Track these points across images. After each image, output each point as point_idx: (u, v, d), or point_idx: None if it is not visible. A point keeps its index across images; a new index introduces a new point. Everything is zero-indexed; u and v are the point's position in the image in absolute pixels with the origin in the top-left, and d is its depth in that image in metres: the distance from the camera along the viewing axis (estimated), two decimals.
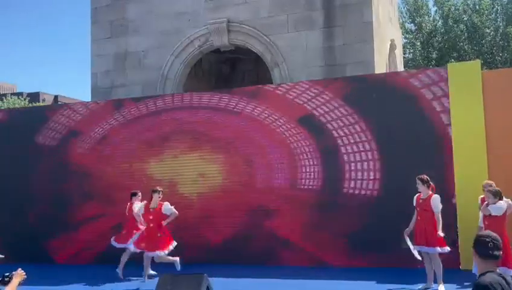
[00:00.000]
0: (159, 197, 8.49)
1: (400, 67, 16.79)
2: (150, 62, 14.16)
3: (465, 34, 27.48)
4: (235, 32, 13.59)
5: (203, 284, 6.37)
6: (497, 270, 3.03)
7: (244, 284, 8.27)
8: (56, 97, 79.04)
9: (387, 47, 14.20)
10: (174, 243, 8.44)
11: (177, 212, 8.51)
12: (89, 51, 14.82)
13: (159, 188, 8.61)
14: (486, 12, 27.40)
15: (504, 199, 6.85)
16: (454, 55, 27.18)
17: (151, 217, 8.41)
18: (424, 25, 28.78)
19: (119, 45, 14.49)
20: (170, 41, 13.98)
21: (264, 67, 14.04)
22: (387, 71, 13.53)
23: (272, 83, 12.94)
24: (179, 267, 8.27)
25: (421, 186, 7.34)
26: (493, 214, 6.74)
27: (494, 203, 6.74)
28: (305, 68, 12.73)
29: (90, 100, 14.05)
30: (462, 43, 27.53)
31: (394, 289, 7.55)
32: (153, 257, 8.49)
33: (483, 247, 3.03)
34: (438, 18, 29.26)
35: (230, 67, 17.16)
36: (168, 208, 8.49)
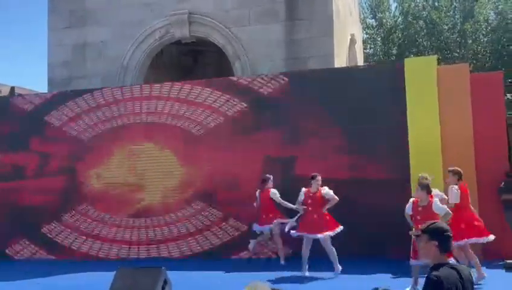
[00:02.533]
0: (318, 183, 8.22)
1: (360, 62, 17.05)
2: (110, 53, 13.88)
3: (424, 30, 28.06)
4: (196, 24, 13.47)
5: (161, 277, 6.33)
6: (450, 262, 3.14)
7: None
8: (13, 88, 76.55)
9: (347, 41, 14.37)
10: (341, 227, 8.21)
11: (336, 197, 8.26)
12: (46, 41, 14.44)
13: (317, 175, 8.29)
14: (444, 9, 28.04)
15: (434, 191, 6.87)
16: (414, 50, 27.74)
17: (310, 201, 8.23)
18: (384, 20, 29.27)
19: (78, 35, 14.14)
20: (131, 32, 13.74)
21: (226, 60, 13.99)
22: (347, 65, 13.72)
23: (233, 76, 12.93)
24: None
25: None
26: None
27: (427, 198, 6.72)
28: (267, 61, 12.75)
29: (46, 92, 13.70)
30: (421, 39, 28.11)
31: None
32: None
33: (448, 242, 3.10)
34: (398, 14, 29.80)
35: (193, 59, 17.02)
36: (327, 192, 8.28)
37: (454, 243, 6.62)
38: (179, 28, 13.50)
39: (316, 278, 7.92)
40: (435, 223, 3.26)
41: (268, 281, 7.15)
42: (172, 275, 6.48)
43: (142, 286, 6.17)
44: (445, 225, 3.24)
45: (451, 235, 3.16)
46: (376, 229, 8.80)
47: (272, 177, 9.25)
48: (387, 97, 9.40)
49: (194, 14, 13.39)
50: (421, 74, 9.24)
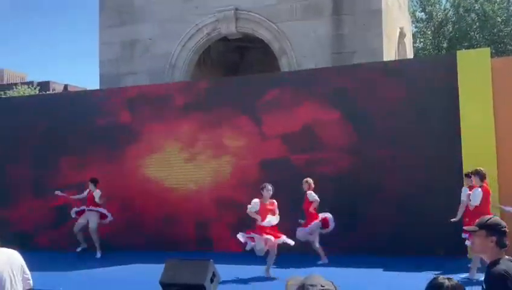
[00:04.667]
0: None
1: (410, 56, 16.67)
2: (157, 50, 14.14)
3: (477, 23, 27.16)
4: (242, 20, 13.52)
5: (209, 269, 6.39)
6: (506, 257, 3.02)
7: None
8: (66, 86, 79.32)
9: (396, 35, 14.09)
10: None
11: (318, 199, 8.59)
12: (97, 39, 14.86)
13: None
14: (498, 1, 27.05)
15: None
16: (465, 44, 26.88)
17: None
18: (434, 13, 28.50)
19: (126, 33, 14.48)
20: (177, 29, 13.94)
21: (272, 55, 13.98)
22: (396, 59, 13.44)
23: (279, 71, 12.92)
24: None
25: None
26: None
27: None
28: (313, 56, 12.66)
29: (98, 88, 14.12)
30: (473, 32, 27.23)
31: None
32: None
33: (505, 237, 3.00)
34: (448, 7, 28.96)
35: (239, 56, 17.11)
36: (311, 195, 8.59)
37: None
38: (226, 24, 13.59)
39: (371, 275, 7.82)
40: (491, 218, 3.14)
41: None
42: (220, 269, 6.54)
43: (191, 278, 6.25)
44: (501, 220, 3.12)
45: (507, 230, 3.04)
46: (426, 229, 8.64)
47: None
48: (438, 92, 9.15)
49: (241, 10, 13.45)
50: (474, 67, 8.92)
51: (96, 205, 10.20)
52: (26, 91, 50.24)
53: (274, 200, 8.13)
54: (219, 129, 10.47)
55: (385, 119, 9.43)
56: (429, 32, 28.56)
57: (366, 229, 9.25)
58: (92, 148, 11.18)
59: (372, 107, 9.52)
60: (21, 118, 11.78)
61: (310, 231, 8.70)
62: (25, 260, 3.71)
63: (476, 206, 7.12)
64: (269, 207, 8.06)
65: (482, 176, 7.23)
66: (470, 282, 6.53)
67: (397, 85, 9.46)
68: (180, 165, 10.72)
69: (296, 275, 2.16)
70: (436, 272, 7.55)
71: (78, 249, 10.34)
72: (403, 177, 9.23)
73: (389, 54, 12.92)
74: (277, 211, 8.09)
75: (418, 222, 8.81)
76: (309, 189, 8.68)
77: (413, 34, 22.96)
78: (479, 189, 7.19)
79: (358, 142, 9.59)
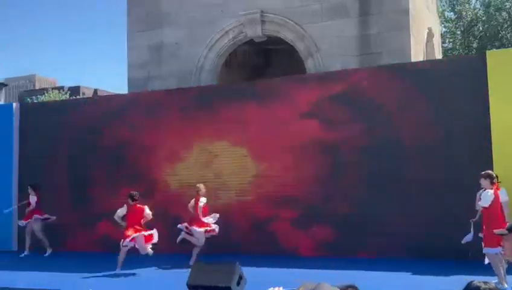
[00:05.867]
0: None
1: (439, 56, 16.40)
2: (184, 53, 14.25)
3: (508, 21, 26.58)
4: (268, 23, 13.52)
5: (236, 272, 6.40)
6: None
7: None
8: (96, 91, 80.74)
9: (424, 35, 13.88)
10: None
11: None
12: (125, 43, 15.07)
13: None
14: None
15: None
16: (496, 44, 26.34)
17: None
18: (464, 13, 28.00)
19: (154, 37, 14.65)
20: (204, 32, 14.03)
21: (298, 57, 13.94)
22: (425, 59, 13.24)
23: (305, 73, 12.87)
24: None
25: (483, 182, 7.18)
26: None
27: None
28: (339, 57, 12.57)
29: (127, 92, 14.32)
30: (504, 32, 26.66)
31: None
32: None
33: None
34: (479, 6, 28.42)
35: (265, 58, 17.11)
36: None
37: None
38: (251, 27, 13.61)
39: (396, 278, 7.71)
40: None
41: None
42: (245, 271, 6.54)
43: (218, 280, 6.26)
44: None
45: None
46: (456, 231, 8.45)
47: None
48: (467, 93, 8.97)
49: (266, 12, 13.45)
50: (505, 67, 8.73)
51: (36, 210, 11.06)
52: (57, 96, 51.29)
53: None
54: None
55: (411, 119, 9.31)
56: (459, 32, 28.09)
57: (395, 230, 9.14)
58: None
59: (396, 108, 9.42)
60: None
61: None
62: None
63: (485, 208, 7.02)
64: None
65: (492, 179, 7.10)
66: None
67: (425, 86, 9.33)
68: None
69: (309, 281, 2.15)
70: (467, 277, 7.39)
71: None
72: (430, 177, 9.08)
73: (417, 54, 12.74)
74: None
75: (447, 223, 8.64)
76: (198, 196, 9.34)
77: (442, 34, 22.60)
78: (491, 191, 7.04)
79: (387, 142, 9.49)
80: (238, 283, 6.34)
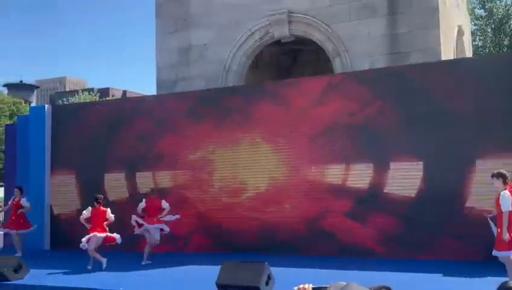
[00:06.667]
0: None
1: (469, 54, 16.12)
2: (212, 55, 14.34)
3: None
4: (295, 23, 13.50)
5: (265, 272, 6.42)
6: None
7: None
8: (125, 92, 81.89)
9: (454, 33, 13.66)
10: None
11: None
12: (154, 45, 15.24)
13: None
14: None
15: None
16: None
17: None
18: (495, 10, 27.41)
19: (182, 39, 14.77)
20: (231, 33, 14.09)
21: (325, 57, 13.87)
22: (455, 58, 13.03)
23: (333, 73, 12.81)
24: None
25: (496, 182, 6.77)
26: None
27: None
28: (367, 57, 12.47)
29: (156, 94, 14.48)
30: None
31: None
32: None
33: None
34: (510, 3, 27.79)
35: (292, 59, 17.09)
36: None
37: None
38: (279, 27, 13.61)
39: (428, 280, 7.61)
40: None
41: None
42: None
43: (247, 280, 6.29)
44: None
45: None
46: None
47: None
48: (499, 90, 8.79)
49: (293, 13, 13.44)
50: None
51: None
52: (87, 98, 52.17)
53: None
54: None
55: (443, 118, 9.18)
56: (489, 30, 27.51)
57: (425, 232, 9.04)
58: None
59: (431, 107, 9.31)
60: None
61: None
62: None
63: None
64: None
65: (505, 178, 6.72)
66: None
67: (457, 84, 9.18)
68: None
69: (339, 281, 2.14)
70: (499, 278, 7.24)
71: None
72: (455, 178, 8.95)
73: (447, 52, 12.54)
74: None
75: (479, 224, 8.48)
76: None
77: (472, 32, 22.19)
78: (507, 193, 6.61)
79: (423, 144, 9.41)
80: (267, 283, 6.36)
